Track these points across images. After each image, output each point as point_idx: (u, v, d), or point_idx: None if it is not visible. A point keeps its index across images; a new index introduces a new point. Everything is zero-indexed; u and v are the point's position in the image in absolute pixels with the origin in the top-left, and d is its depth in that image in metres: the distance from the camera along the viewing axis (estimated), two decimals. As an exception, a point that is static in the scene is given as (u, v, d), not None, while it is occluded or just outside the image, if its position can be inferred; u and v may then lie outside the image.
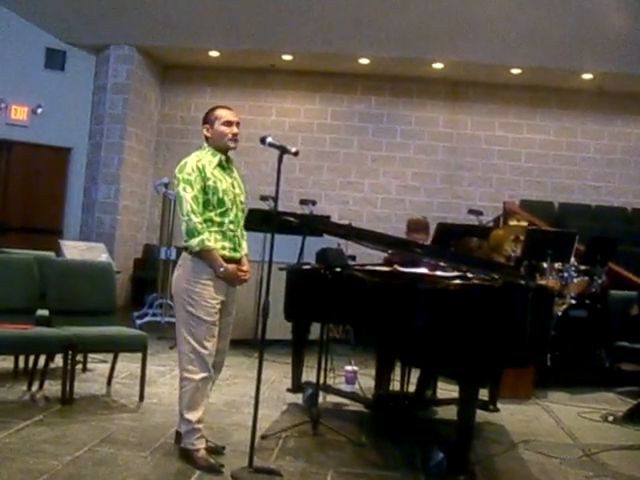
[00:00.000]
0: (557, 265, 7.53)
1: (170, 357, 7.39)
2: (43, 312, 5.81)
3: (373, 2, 10.09)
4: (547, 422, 5.92)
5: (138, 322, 9.16)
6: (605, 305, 7.97)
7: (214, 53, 11.90)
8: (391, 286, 4.75)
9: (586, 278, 7.83)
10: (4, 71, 11.19)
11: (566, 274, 7.53)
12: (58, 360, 5.69)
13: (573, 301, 7.49)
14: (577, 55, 10.64)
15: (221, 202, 4.17)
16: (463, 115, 12.55)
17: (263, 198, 8.91)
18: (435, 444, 4.51)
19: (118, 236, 11.78)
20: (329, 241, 7.72)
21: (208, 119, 4.31)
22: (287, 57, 11.82)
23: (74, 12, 10.90)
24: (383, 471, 4.35)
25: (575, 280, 7.64)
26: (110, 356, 6.03)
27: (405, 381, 5.55)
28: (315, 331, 5.77)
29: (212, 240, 4.12)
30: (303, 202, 10.23)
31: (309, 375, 6.11)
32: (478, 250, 7.00)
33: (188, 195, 4.10)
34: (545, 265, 7.30)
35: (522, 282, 4.62)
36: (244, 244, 4.38)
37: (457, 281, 4.91)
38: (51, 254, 7.36)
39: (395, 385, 5.71)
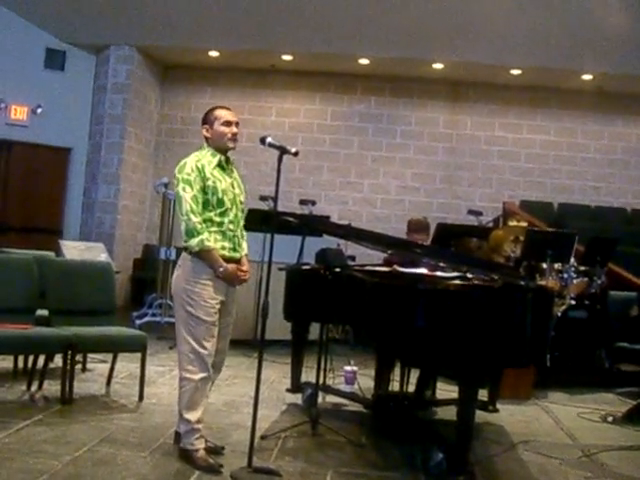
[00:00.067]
0: (557, 266, 7.53)
1: (169, 357, 7.39)
2: (43, 312, 5.81)
3: (373, 2, 10.09)
4: (547, 422, 5.92)
5: (137, 322, 9.16)
6: (605, 306, 7.97)
7: (214, 53, 11.90)
8: (391, 286, 4.74)
9: (586, 279, 7.82)
10: (4, 71, 11.18)
11: (566, 275, 7.53)
12: (57, 360, 5.69)
13: (573, 302, 7.49)
14: (577, 55, 10.64)
15: (220, 202, 4.17)
16: (463, 115, 12.55)
17: (263, 198, 8.91)
18: (435, 444, 4.51)
19: (118, 236, 11.79)
20: (329, 241, 7.74)
21: (207, 119, 4.32)
22: (287, 57, 11.82)
23: (74, 12, 10.90)
24: (383, 471, 4.35)
25: (575, 281, 7.64)
26: (110, 356, 6.02)
27: (405, 381, 5.55)
28: (314, 331, 5.76)
29: (212, 240, 4.12)
30: (303, 202, 10.23)
31: (308, 375, 6.11)
32: (478, 250, 7.00)
33: (187, 195, 4.10)
34: (545, 266, 7.30)
35: (522, 283, 4.63)
36: (244, 244, 4.38)
37: (457, 281, 4.91)
38: (51, 254, 7.35)
39: (395, 385, 5.71)
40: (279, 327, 6.08)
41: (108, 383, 5.97)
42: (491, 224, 10.25)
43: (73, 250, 7.65)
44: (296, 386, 6.14)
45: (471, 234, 7.23)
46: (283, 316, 6.07)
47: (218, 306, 4.17)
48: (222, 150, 4.28)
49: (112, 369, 5.97)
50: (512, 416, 5.99)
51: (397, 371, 5.64)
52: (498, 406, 6.04)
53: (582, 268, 7.78)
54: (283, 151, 4.11)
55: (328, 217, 10.02)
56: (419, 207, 12.08)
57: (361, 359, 7.25)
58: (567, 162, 12.41)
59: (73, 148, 12.13)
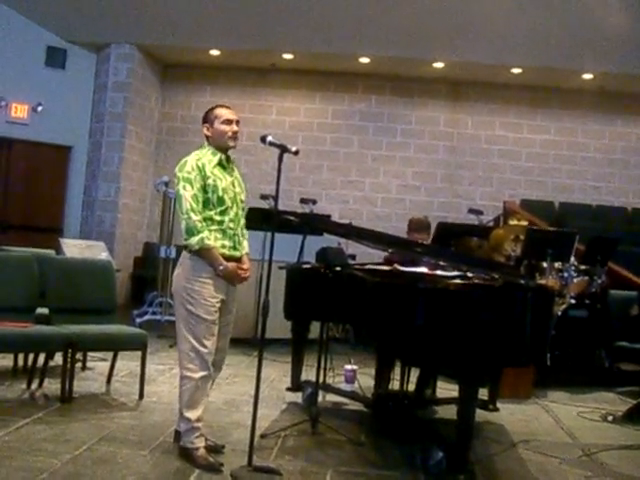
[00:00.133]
0: (557, 265, 7.53)
1: (170, 356, 7.39)
2: (43, 310, 5.82)
3: (374, 1, 10.09)
4: (547, 422, 5.92)
5: (138, 320, 9.16)
6: (605, 305, 7.97)
7: (215, 52, 11.90)
8: (391, 285, 4.74)
9: (586, 278, 7.82)
10: (5, 69, 11.18)
11: (566, 274, 7.53)
12: (58, 358, 5.69)
13: (573, 301, 7.49)
14: (578, 55, 10.63)
15: (221, 201, 4.17)
16: (464, 114, 12.55)
17: (263, 197, 8.91)
18: (435, 443, 4.51)
19: (118, 234, 11.79)
20: (329, 240, 7.75)
21: (208, 118, 4.32)
22: (287, 56, 11.82)
23: (75, 10, 10.90)
24: (382, 470, 4.35)
25: (575, 280, 7.64)
26: (110, 354, 6.03)
27: (405, 380, 5.55)
28: (315, 330, 5.76)
29: (212, 238, 4.12)
30: (303, 201, 10.23)
31: (309, 374, 6.11)
32: (478, 250, 7.00)
33: (188, 194, 4.11)
34: (545, 265, 7.30)
35: (522, 282, 4.62)
36: (245, 243, 4.38)
37: (457, 280, 4.91)
38: (51, 252, 7.36)
39: (395, 384, 5.71)
40: (279, 326, 6.08)
41: (108, 381, 5.98)
42: (492, 223, 10.25)
43: (74, 248, 7.65)
44: (296, 385, 6.14)
45: (471, 233, 7.23)
46: (283, 315, 6.06)
47: (218, 304, 4.17)
48: (223, 149, 4.28)
49: (112, 367, 5.98)
50: (512, 415, 5.99)
51: (397, 370, 5.64)
52: (498, 405, 6.04)
53: (582, 267, 7.78)
54: (284, 150, 4.11)
55: (329, 216, 10.03)
56: (420, 206, 12.08)
57: (361, 358, 7.25)
58: (567, 161, 12.41)
59: (74, 146, 12.13)
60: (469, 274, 5.08)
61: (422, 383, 5.73)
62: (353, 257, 9.43)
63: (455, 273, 5.19)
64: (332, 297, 5.19)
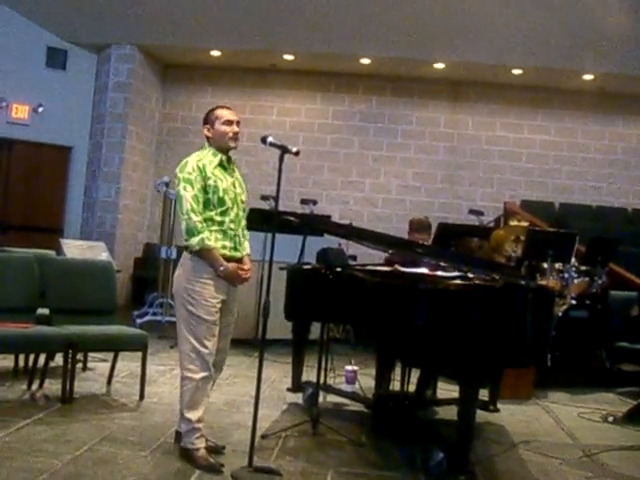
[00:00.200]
0: (558, 265, 7.52)
1: (170, 356, 7.39)
2: (43, 311, 5.82)
3: (374, 2, 10.09)
4: (547, 422, 5.92)
5: (138, 321, 9.16)
6: (605, 306, 7.97)
7: (215, 53, 11.90)
8: (392, 286, 4.74)
9: (587, 279, 7.82)
10: (5, 70, 11.19)
11: (567, 274, 7.53)
12: (58, 359, 5.69)
13: (573, 301, 7.48)
14: (578, 56, 10.64)
15: (221, 201, 4.17)
16: (464, 115, 12.55)
17: (264, 197, 8.91)
18: (435, 444, 4.51)
19: (119, 235, 11.79)
20: (330, 241, 7.73)
21: (208, 119, 4.32)
22: (288, 57, 11.82)
23: (75, 11, 10.91)
24: (383, 471, 4.35)
25: (576, 280, 7.64)
26: (110, 355, 6.03)
27: (405, 381, 5.54)
28: (315, 331, 5.76)
29: (212, 239, 4.12)
30: (304, 202, 10.24)
31: (309, 375, 6.11)
32: (479, 250, 7.00)
33: (188, 194, 4.11)
34: (546, 265, 7.30)
35: (523, 282, 4.62)
36: (246, 244, 4.38)
37: (458, 281, 4.91)
38: (52, 253, 7.35)
39: (395, 385, 5.70)
40: (280, 326, 6.08)
41: (109, 382, 5.98)
42: (492, 224, 10.25)
43: (74, 249, 7.64)
44: (297, 385, 6.14)
45: (472, 234, 7.24)
46: (284, 315, 6.06)
47: (219, 305, 4.17)
48: (223, 149, 4.28)
49: (113, 368, 5.98)
50: (513, 416, 5.99)
51: (398, 371, 5.64)
52: (499, 406, 6.04)
53: (583, 268, 7.78)
54: (284, 150, 4.12)
55: (329, 217, 10.02)
56: (420, 207, 12.09)
57: (362, 359, 7.25)
58: (568, 162, 12.42)
59: (74, 147, 12.14)
60: (470, 275, 5.07)
61: (423, 384, 5.73)
62: (354, 258, 9.42)
63: (456, 274, 5.19)
64: (333, 298, 5.19)
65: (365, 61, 11.73)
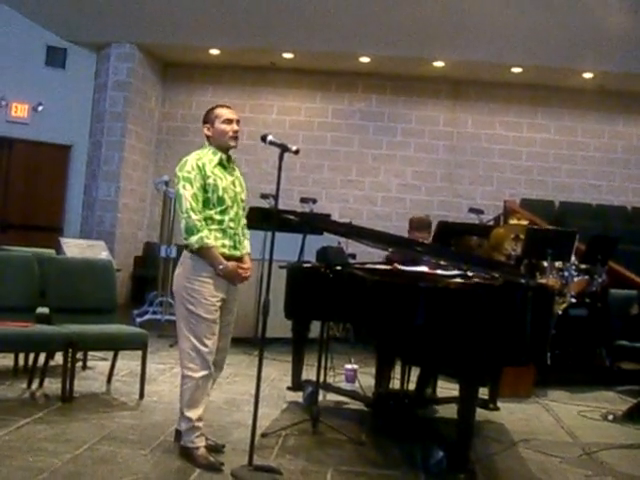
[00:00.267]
0: (557, 264, 7.52)
1: (170, 355, 7.39)
2: (43, 310, 5.82)
3: (374, 1, 10.09)
4: (547, 421, 5.92)
5: (138, 320, 9.16)
6: (605, 304, 7.97)
7: (215, 51, 11.90)
8: (391, 284, 4.74)
9: (586, 277, 7.82)
10: (5, 68, 11.20)
11: (566, 273, 7.52)
12: (58, 358, 5.69)
13: (573, 300, 7.48)
14: (578, 54, 10.63)
15: (221, 200, 4.17)
16: (464, 114, 12.55)
17: (264, 196, 8.91)
18: (435, 443, 4.52)
19: (118, 234, 11.79)
20: (329, 239, 7.75)
21: (208, 118, 4.32)
22: (288, 55, 11.82)
23: (75, 10, 10.90)
24: (383, 470, 4.35)
25: (575, 279, 7.63)
26: (110, 354, 6.03)
27: (405, 379, 5.55)
28: (315, 329, 5.76)
29: (212, 238, 4.12)
30: (304, 200, 10.25)
31: (309, 373, 6.11)
32: (478, 249, 7.00)
33: (187, 193, 4.11)
34: (545, 264, 7.29)
35: (522, 281, 4.62)
36: (246, 242, 4.38)
37: (457, 280, 4.91)
38: (51, 252, 7.36)
39: (395, 383, 5.71)
40: (280, 325, 6.08)
41: (109, 381, 5.98)
42: (492, 222, 10.24)
43: (74, 248, 7.64)
44: (297, 384, 6.14)
45: (472, 232, 7.24)
46: (284, 314, 6.06)
47: (219, 304, 4.17)
48: (223, 148, 4.28)
49: (113, 367, 5.98)
50: (512, 414, 6.00)
51: (398, 369, 5.65)
52: (498, 404, 6.04)
53: (583, 266, 7.78)
54: (284, 149, 4.12)
55: (329, 215, 10.04)
56: (420, 205, 12.09)
57: (361, 357, 7.25)
58: (567, 160, 12.42)
59: (74, 146, 12.14)
60: (469, 273, 5.08)
61: (422, 382, 5.73)
62: (353, 256, 9.43)
63: (455, 272, 5.19)
64: (332, 296, 5.19)
65: (365, 60, 11.73)
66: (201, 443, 4.16)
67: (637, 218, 11.85)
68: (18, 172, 11.60)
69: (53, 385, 5.54)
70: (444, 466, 4.28)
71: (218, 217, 4.17)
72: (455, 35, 10.52)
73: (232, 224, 4.23)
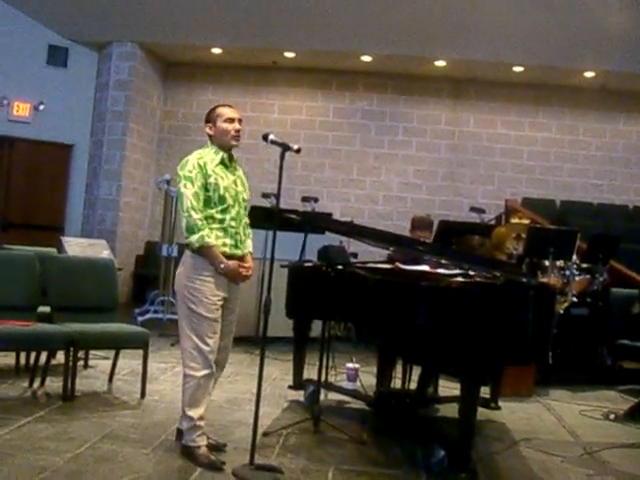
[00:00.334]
0: (559, 263, 7.52)
1: (171, 354, 7.40)
2: (45, 309, 5.82)
3: (375, 0, 10.08)
4: (548, 420, 5.92)
5: (140, 319, 9.16)
6: (607, 303, 7.97)
7: (216, 50, 11.90)
8: (393, 284, 4.74)
9: (588, 276, 7.82)
10: (7, 67, 11.20)
11: (568, 272, 7.52)
12: (60, 357, 5.69)
13: (575, 299, 7.48)
14: (579, 53, 10.62)
15: (222, 199, 4.17)
16: (465, 113, 12.55)
17: (265, 195, 8.90)
18: (436, 442, 4.52)
19: (120, 233, 11.79)
20: (331, 238, 7.74)
21: (210, 118, 4.32)
22: (289, 54, 11.82)
23: (77, 9, 10.91)
24: (384, 469, 4.35)
25: (577, 278, 7.63)
26: (112, 353, 6.03)
27: (406, 379, 5.56)
28: (316, 328, 5.76)
29: (213, 237, 4.11)
30: (305, 199, 10.22)
31: (310, 372, 6.11)
32: (480, 248, 6.99)
33: (188, 192, 4.11)
34: (547, 263, 7.29)
35: (524, 280, 4.62)
36: (248, 242, 4.38)
37: (459, 279, 4.91)
38: (53, 251, 7.36)
39: (396, 383, 5.71)
40: (281, 324, 6.08)
41: (110, 380, 5.98)
42: (493, 221, 10.22)
43: (75, 247, 7.64)
44: (298, 383, 6.14)
45: (473, 231, 7.22)
46: (285, 313, 6.07)
47: (220, 302, 4.17)
48: (225, 148, 4.28)
49: (114, 366, 5.98)
50: (514, 413, 6.00)
51: (399, 368, 5.65)
52: (500, 403, 6.04)
53: (584, 265, 7.78)
54: (285, 148, 4.11)
55: (330, 214, 10.02)
56: (421, 204, 12.09)
57: (363, 356, 7.25)
58: (569, 160, 12.41)
59: (75, 145, 12.14)
60: (471, 272, 5.07)
61: (424, 381, 5.73)
62: (355, 255, 9.41)
63: (457, 271, 5.19)
64: (334, 295, 5.18)
65: (366, 59, 11.72)
66: (202, 442, 4.16)
67: (638, 217, 11.84)
68: (20, 171, 11.61)
69: (54, 384, 5.55)
70: (445, 465, 4.28)
71: (219, 216, 4.17)
72: (456, 34, 10.52)
73: (233, 223, 4.23)
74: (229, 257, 4.16)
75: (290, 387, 6.20)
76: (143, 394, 5.57)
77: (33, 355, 5.76)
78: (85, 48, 12.01)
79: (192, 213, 4.08)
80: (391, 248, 6.15)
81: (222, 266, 4.11)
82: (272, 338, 5.69)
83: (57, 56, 11.77)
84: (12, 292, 5.59)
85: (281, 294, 5.81)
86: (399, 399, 5.56)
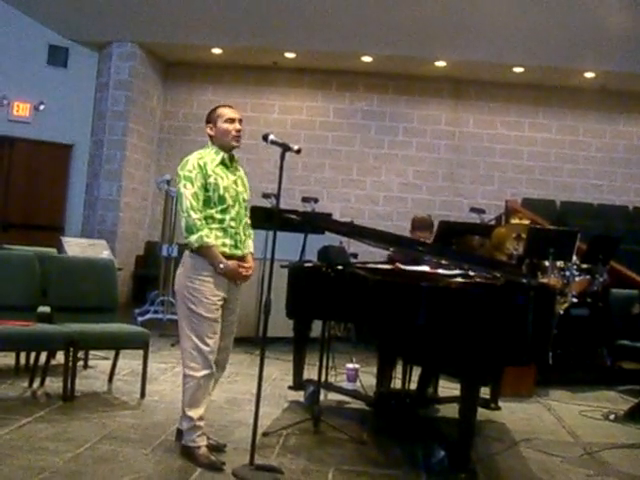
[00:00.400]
0: (559, 263, 7.52)
1: (171, 354, 7.39)
2: (45, 309, 5.82)
3: (376, 0, 10.08)
4: (548, 420, 5.92)
5: (139, 319, 9.16)
6: (607, 304, 7.96)
7: (217, 50, 11.90)
8: (393, 284, 4.74)
9: (588, 277, 7.82)
10: (7, 67, 11.20)
11: (568, 272, 7.53)
12: (59, 357, 5.69)
13: (575, 299, 7.48)
14: (579, 53, 10.62)
15: (222, 199, 4.17)
16: (465, 113, 12.55)
17: (265, 196, 8.90)
18: (436, 442, 4.52)
19: (120, 233, 11.79)
20: (331, 239, 7.74)
21: (211, 118, 4.32)
22: (290, 55, 11.82)
23: (77, 9, 10.90)
24: (384, 469, 4.34)
25: (577, 279, 7.64)
26: (111, 353, 6.03)
27: (407, 379, 5.56)
28: (317, 329, 5.77)
29: (212, 237, 4.11)
30: (305, 200, 10.23)
31: (310, 373, 6.11)
32: (480, 248, 7.00)
33: (188, 192, 4.11)
34: (547, 263, 7.30)
35: (524, 280, 4.62)
36: (249, 242, 4.38)
37: (459, 279, 4.91)
38: (53, 251, 7.36)
39: (397, 383, 5.71)
40: (281, 324, 6.08)
41: (110, 380, 5.98)
42: (493, 222, 10.24)
43: (75, 247, 7.64)
44: (298, 383, 6.14)
45: (473, 232, 7.23)
46: (285, 313, 6.07)
47: (220, 303, 4.17)
48: (226, 148, 4.28)
49: (114, 366, 5.98)
50: (514, 414, 5.99)
51: (399, 369, 5.65)
52: (500, 404, 6.04)
53: (584, 266, 7.78)
54: (285, 148, 4.11)
55: (330, 215, 10.03)
56: (421, 205, 12.09)
57: (363, 357, 7.25)
58: (569, 160, 12.41)
59: (75, 145, 12.14)
60: (471, 273, 5.07)
61: (424, 382, 5.73)
62: (355, 256, 9.42)
63: (457, 272, 5.19)
64: (334, 296, 5.19)
65: (366, 59, 11.72)
66: (202, 442, 4.16)
67: (638, 218, 11.84)
68: (20, 171, 11.61)
69: (54, 384, 5.55)
70: (445, 465, 4.29)
71: (219, 216, 4.17)
72: (456, 35, 10.52)
73: (233, 223, 4.22)
74: (229, 257, 4.16)
75: (290, 387, 6.20)
76: (143, 394, 5.57)
77: (33, 355, 5.75)
78: (85, 48, 12.00)
79: (191, 213, 4.08)
80: (391, 248, 6.15)
81: (221, 266, 4.11)
82: (272, 338, 5.68)
83: (57, 56, 11.77)
84: (12, 292, 5.59)
85: (281, 294, 5.81)
86: (399, 399, 5.56)
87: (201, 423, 4.16)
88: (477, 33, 10.42)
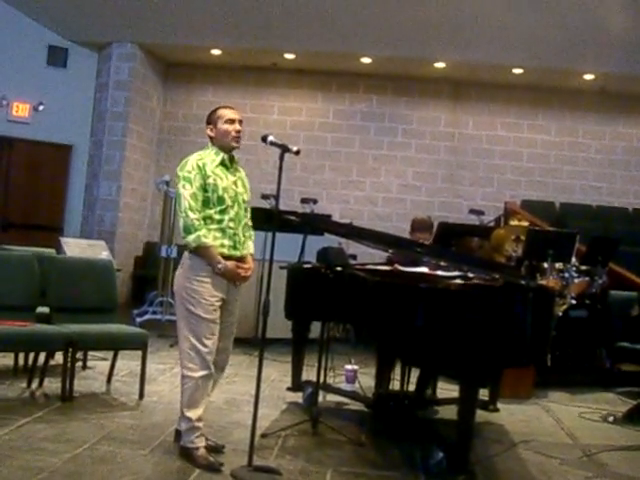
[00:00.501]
0: (558, 265, 7.52)
1: (170, 355, 7.39)
2: (43, 309, 5.82)
3: (375, 1, 10.08)
4: (547, 422, 5.92)
5: (138, 320, 9.16)
6: (606, 305, 7.97)
7: (216, 51, 11.90)
8: (392, 285, 4.74)
9: (587, 278, 7.82)
10: (6, 68, 11.19)
11: (567, 274, 7.52)
12: (58, 357, 5.69)
13: (574, 301, 7.48)
14: (579, 55, 10.63)
15: (221, 200, 4.17)
16: (465, 115, 12.54)
17: (264, 197, 8.91)
18: (435, 444, 4.52)
19: (119, 234, 11.78)
20: (330, 240, 7.73)
21: (211, 119, 4.32)
22: (289, 56, 11.82)
23: (77, 9, 10.90)
24: (383, 470, 4.35)
25: (576, 280, 7.64)
26: (110, 354, 6.03)
27: (405, 380, 5.55)
28: (315, 330, 5.76)
29: (210, 237, 4.11)
30: (304, 201, 10.23)
31: (309, 374, 6.11)
32: (479, 250, 7.01)
33: (187, 192, 4.11)
34: (546, 265, 7.30)
35: (523, 282, 4.62)
36: (249, 243, 4.38)
37: (458, 281, 4.91)
38: (52, 251, 7.36)
39: (395, 384, 5.71)
40: (280, 325, 6.07)
41: (108, 381, 5.98)
42: (492, 223, 10.24)
43: (74, 247, 7.64)
44: (297, 385, 6.14)
45: (472, 233, 7.24)
46: (284, 314, 6.06)
47: (218, 304, 4.17)
48: (226, 149, 4.28)
49: (113, 367, 5.98)
50: (512, 416, 5.99)
51: (398, 370, 5.64)
52: (499, 405, 6.04)
53: (583, 268, 7.78)
54: (285, 149, 4.12)
55: (329, 216, 10.04)
56: (420, 206, 12.09)
57: (362, 358, 7.24)
58: (568, 162, 12.41)
59: (75, 145, 12.13)
60: (470, 274, 5.07)
61: (422, 383, 5.73)
62: (354, 257, 9.42)
63: (456, 273, 5.19)
64: (333, 297, 5.18)
65: (366, 60, 11.72)
66: (201, 443, 4.16)
67: (638, 219, 11.84)
68: (19, 171, 11.60)
69: (53, 385, 5.54)
70: (444, 467, 4.28)
71: (217, 217, 4.17)
72: (456, 36, 10.52)
73: (232, 224, 4.22)
74: (227, 258, 4.15)
75: (289, 388, 6.20)
76: (142, 395, 5.56)
77: (32, 356, 5.76)
78: (85, 49, 12.00)
79: (189, 213, 4.09)
80: (390, 250, 6.15)
81: (219, 266, 4.10)
82: (271, 339, 5.67)
83: (57, 56, 11.77)
84: (11, 292, 5.59)
85: (280, 295, 5.81)
86: (398, 401, 5.56)
87: (200, 424, 4.16)
88: (476, 34, 10.42)
